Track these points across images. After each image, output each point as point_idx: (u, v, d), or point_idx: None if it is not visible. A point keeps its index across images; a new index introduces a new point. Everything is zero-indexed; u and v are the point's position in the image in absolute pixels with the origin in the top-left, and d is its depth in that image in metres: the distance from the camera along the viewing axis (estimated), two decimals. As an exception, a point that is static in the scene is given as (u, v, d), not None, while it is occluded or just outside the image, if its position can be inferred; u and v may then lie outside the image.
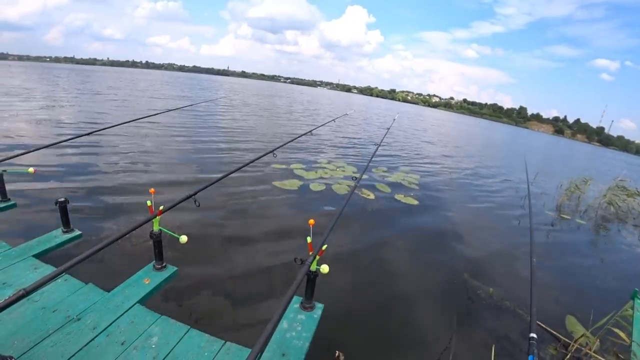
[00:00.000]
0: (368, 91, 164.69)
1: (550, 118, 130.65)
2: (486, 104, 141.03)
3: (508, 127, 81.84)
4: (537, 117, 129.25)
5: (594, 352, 2.61)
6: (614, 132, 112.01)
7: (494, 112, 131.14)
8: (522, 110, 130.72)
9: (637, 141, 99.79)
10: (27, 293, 1.23)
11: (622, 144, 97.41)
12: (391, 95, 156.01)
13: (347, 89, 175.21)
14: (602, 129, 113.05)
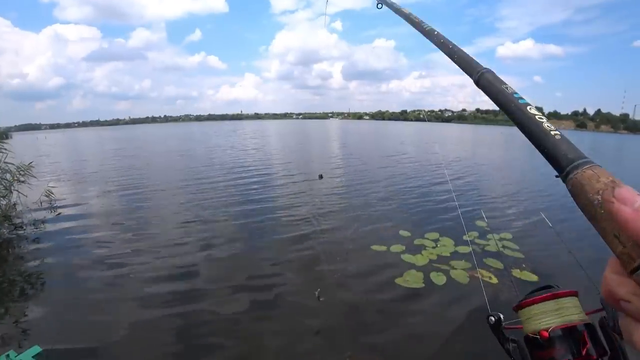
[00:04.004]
0: (379, 115, 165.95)
1: (569, 113, 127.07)
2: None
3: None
4: (554, 115, 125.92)
5: None
6: (639, 116, 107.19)
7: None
8: (538, 110, 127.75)
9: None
10: None
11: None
12: (403, 116, 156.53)
13: (359, 116, 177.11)
14: (627, 115, 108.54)
